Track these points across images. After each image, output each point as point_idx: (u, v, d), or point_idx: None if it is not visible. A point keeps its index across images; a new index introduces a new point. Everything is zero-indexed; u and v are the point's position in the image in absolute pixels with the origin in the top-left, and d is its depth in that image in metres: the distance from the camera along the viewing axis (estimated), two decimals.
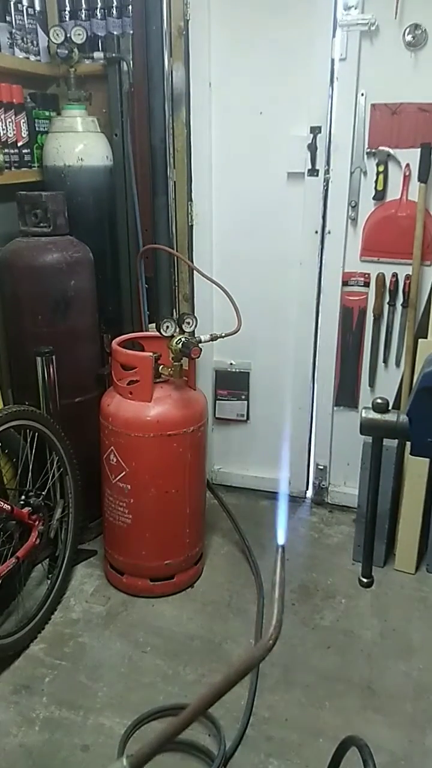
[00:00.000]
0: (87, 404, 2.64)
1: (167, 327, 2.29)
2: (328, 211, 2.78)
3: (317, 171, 2.74)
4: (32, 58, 2.68)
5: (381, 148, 2.62)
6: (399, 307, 2.78)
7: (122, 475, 2.39)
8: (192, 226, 2.98)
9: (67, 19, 2.75)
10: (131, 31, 2.69)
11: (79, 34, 2.61)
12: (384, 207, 2.70)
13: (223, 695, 0.60)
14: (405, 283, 2.72)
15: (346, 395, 3.00)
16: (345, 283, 2.85)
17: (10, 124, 2.53)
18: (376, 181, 2.66)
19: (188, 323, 2.34)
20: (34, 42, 2.68)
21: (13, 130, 2.56)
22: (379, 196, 2.68)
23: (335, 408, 3.03)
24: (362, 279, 2.81)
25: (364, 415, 1.17)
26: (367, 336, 2.88)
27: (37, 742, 1.92)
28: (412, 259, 2.64)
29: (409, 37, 2.48)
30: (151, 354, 2.36)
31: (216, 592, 2.57)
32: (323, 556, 2.81)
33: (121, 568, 2.55)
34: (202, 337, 2.35)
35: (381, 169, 2.63)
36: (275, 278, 2.96)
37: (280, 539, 0.73)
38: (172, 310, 3.02)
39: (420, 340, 2.62)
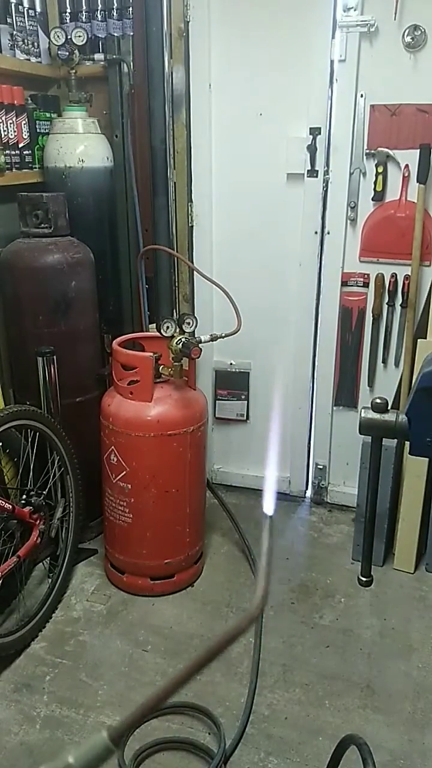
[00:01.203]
0: (88, 404, 2.65)
1: (167, 327, 2.30)
2: (327, 212, 2.79)
3: (317, 172, 2.75)
4: (33, 59, 2.69)
5: (380, 149, 2.63)
6: (398, 308, 2.79)
7: (123, 474, 2.40)
8: (192, 226, 2.99)
9: (68, 20, 2.76)
10: (131, 33, 2.70)
11: (79, 36, 2.62)
12: (383, 208, 2.71)
13: (207, 665, 0.61)
14: (404, 284, 2.73)
15: (345, 395, 3.01)
16: (344, 284, 2.86)
17: (11, 125, 2.54)
18: (375, 182, 2.67)
19: (188, 323, 2.35)
20: (35, 43, 2.69)
21: (14, 131, 2.57)
22: (379, 196, 2.69)
23: (335, 408, 3.04)
24: (361, 279, 2.82)
25: (363, 414, 1.18)
26: (366, 336, 2.89)
27: (37, 740, 1.93)
28: (411, 259, 2.65)
29: (408, 39, 2.49)
30: (151, 354, 2.37)
31: (216, 591, 2.58)
32: (322, 556, 2.82)
33: (121, 567, 2.56)
34: (202, 338, 2.36)
35: (380, 170, 2.64)
36: (275, 279, 2.97)
37: (269, 510, 0.73)
38: (173, 311, 3.03)
39: (419, 340, 2.63)
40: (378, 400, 1.16)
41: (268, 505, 0.74)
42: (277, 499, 2.69)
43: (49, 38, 2.70)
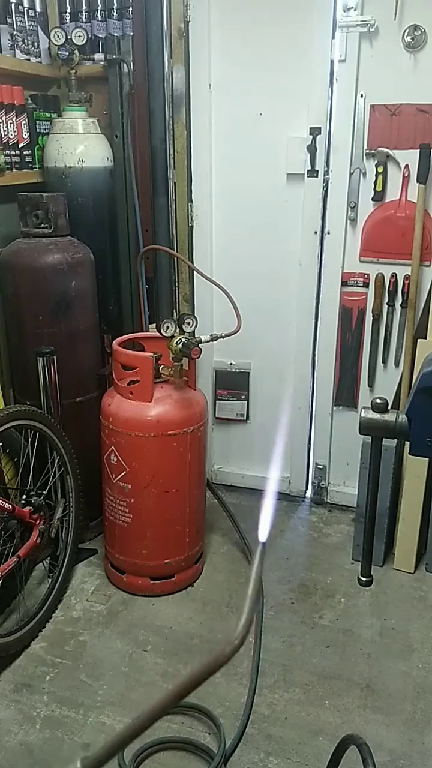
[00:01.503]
0: (88, 404, 2.65)
1: (167, 327, 2.30)
2: (327, 212, 2.79)
3: (317, 172, 2.75)
4: (33, 59, 2.69)
5: (380, 149, 2.63)
6: (398, 308, 2.79)
7: (123, 474, 2.40)
8: (192, 226, 2.99)
9: (68, 20, 2.76)
10: (131, 33, 2.70)
11: (79, 36, 2.62)
12: (383, 208, 2.71)
13: (188, 694, 0.61)
14: (404, 284, 2.73)
15: (345, 395, 3.01)
16: (344, 284, 2.86)
17: (11, 125, 2.54)
18: (375, 182, 2.67)
19: (188, 323, 2.35)
20: (35, 43, 2.69)
21: (14, 131, 2.57)
22: (379, 196, 2.69)
23: (335, 408, 3.04)
24: (361, 279, 2.82)
25: (363, 414, 1.18)
26: (366, 336, 2.89)
27: (38, 740, 1.93)
28: (411, 259, 2.65)
29: (408, 38, 2.49)
30: (151, 354, 2.37)
31: (216, 592, 2.58)
32: (322, 556, 2.82)
33: (121, 567, 2.56)
34: (202, 338, 2.36)
35: (380, 170, 2.64)
36: (275, 278, 2.97)
37: (262, 537, 0.71)
38: (173, 311, 3.03)
39: (419, 340, 2.63)
40: (378, 400, 1.16)
41: (263, 532, 0.71)
42: (278, 499, 2.69)
43: (49, 38, 2.70)
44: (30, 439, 2.31)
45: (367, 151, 2.66)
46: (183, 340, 2.27)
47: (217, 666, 0.58)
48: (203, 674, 0.59)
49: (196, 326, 2.37)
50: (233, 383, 3.19)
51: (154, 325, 2.73)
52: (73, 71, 2.69)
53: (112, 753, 0.61)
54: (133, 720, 0.60)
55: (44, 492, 2.37)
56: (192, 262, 2.98)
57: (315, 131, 2.69)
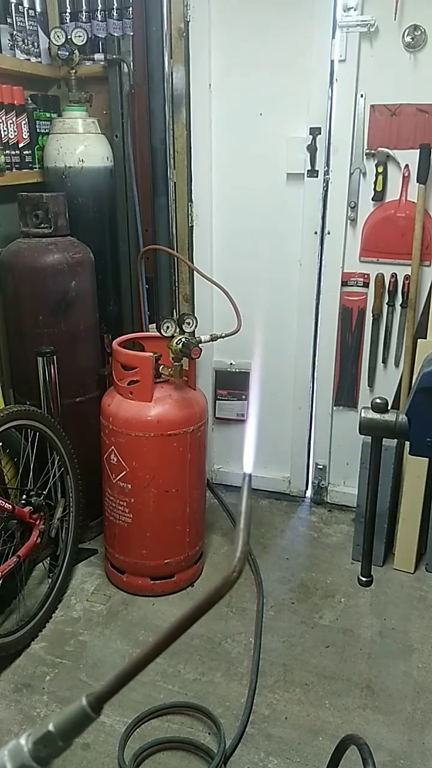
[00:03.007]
0: (88, 404, 2.65)
1: (167, 327, 2.30)
2: (327, 212, 2.79)
3: (317, 172, 2.75)
4: (33, 59, 2.69)
5: (380, 149, 2.63)
6: (398, 308, 2.79)
7: (123, 474, 2.40)
8: (192, 226, 2.99)
9: (68, 20, 2.76)
10: (131, 33, 2.70)
11: (79, 36, 2.62)
12: (383, 208, 2.71)
13: (185, 631, 0.61)
14: (404, 284, 2.73)
15: (345, 395, 3.01)
16: (344, 284, 2.86)
17: (11, 125, 2.54)
18: (375, 182, 2.67)
19: (188, 323, 2.35)
20: (35, 43, 2.69)
21: (14, 131, 2.57)
22: (379, 196, 2.69)
23: (335, 408, 3.04)
24: (361, 279, 2.82)
25: (363, 414, 1.18)
26: (366, 336, 2.89)
27: None
28: (411, 259, 2.65)
29: (408, 38, 2.49)
30: (151, 354, 2.37)
31: None
32: (322, 556, 2.82)
33: (121, 567, 2.56)
34: (202, 338, 2.36)
35: (380, 170, 2.64)
36: (275, 278, 2.97)
37: (247, 468, 0.72)
38: (173, 311, 3.03)
39: (419, 340, 2.63)
40: (378, 400, 1.16)
41: (247, 463, 0.72)
42: (277, 499, 2.69)
43: (49, 38, 2.70)
44: (30, 439, 2.31)
45: (367, 151, 2.66)
46: (183, 340, 2.27)
47: (218, 597, 0.60)
48: (203, 608, 0.60)
49: (196, 326, 2.37)
50: (233, 383, 3.19)
51: (154, 325, 2.73)
52: (73, 71, 2.69)
53: (116, 687, 0.62)
54: (138, 653, 0.62)
55: (44, 492, 2.38)
56: (192, 262, 2.98)
57: (315, 131, 2.69)
